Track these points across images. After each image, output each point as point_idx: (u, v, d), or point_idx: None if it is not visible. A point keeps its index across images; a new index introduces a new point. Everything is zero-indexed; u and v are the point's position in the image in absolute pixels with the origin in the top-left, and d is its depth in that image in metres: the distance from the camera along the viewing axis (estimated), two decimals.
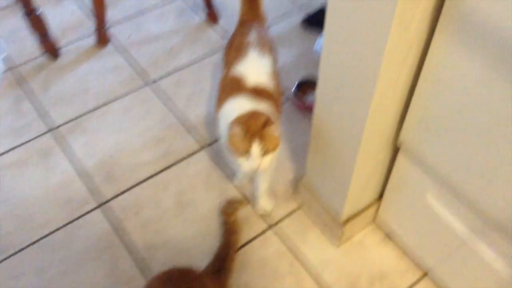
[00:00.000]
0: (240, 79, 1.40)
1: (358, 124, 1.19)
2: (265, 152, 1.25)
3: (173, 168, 1.71)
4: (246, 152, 1.24)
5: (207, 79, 1.95)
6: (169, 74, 1.99)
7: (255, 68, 1.44)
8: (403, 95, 1.18)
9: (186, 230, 1.55)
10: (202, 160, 1.73)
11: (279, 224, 1.56)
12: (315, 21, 2.09)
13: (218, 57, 2.03)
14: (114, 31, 2.14)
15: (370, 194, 1.47)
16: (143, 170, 1.70)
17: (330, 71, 1.20)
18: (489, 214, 1.11)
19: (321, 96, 1.28)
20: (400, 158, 1.31)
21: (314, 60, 1.97)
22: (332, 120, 1.28)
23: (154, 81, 1.96)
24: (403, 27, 0.99)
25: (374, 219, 1.55)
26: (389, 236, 1.53)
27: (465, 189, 1.15)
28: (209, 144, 1.77)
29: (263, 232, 1.54)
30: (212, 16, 2.14)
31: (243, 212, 1.57)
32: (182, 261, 1.47)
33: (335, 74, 1.19)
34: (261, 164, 1.26)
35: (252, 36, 1.51)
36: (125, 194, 1.64)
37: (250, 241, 1.52)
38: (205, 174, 1.69)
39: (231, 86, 1.40)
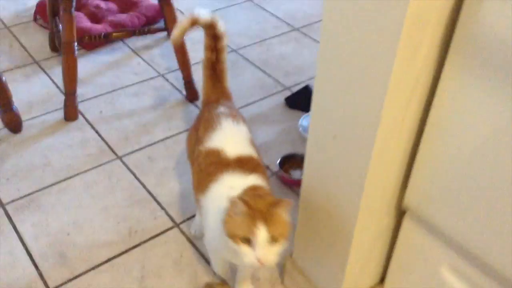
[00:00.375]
0: (219, 152, 1.21)
1: (356, 186, 1.01)
2: (272, 240, 1.00)
3: (138, 249, 1.47)
4: (249, 237, 0.99)
5: (182, 155, 1.78)
6: (141, 148, 1.82)
7: (233, 137, 1.27)
8: (408, 145, 1.02)
9: None
10: (172, 239, 1.50)
11: None
12: (299, 99, 2.00)
13: None
14: (85, 106, 2.00)
15: (371, 275, 1.24)
16: (102, 252, 1.46)
17: (322, 120, 1.04)
18: None
19: (310, 155, 1.11)
20: (406, 225, 1.10)
21: (299, 136, 1.85)
22: (324, 184, 1.10)
23: (124, 155, 1.78)
24: (409, 54, 0.85)
25: None
26: None
27: (489, 257, 0.94)
28: (181, 222, 1.55)
29: None
30: (191, 94, 2.04)
31: None
32: None
33: (327, 124, 1.03)
34: (267, 256, 1.00)
35: (221, 109, 1.35)
36: (79, 279, 1.39)
37: None
38: (175, 256, 1.45)
39: (211, 163, 1.21)
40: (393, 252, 1.17)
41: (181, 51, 1.95)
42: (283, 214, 1.03)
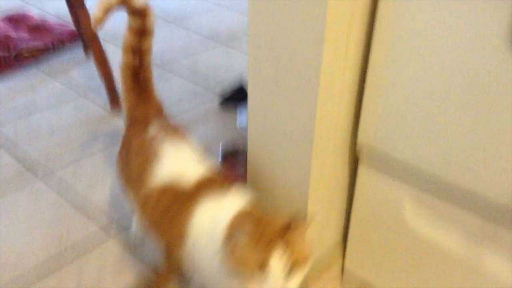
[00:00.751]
0: (175, 185, 0.95)
1: (307, 127, 0.92)
2: (292, 268, 0.79)
3: (71, 265, 1.28)
4: (262, 267, 0.78)
5: (109, 168, 1.61)
6: (64, 167, 1.63)
7: (183, 160, 1.01)
8: (355, 79, 0.95)
9: None
10: (108, 251, 1.32)
11: None
12: (234, 99, 1.92)
13: None
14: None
15: (332, 232, 1.13)
16: (28, 276, 1.25)
17: (260, 63, 0.95)
18: (491, 200, 0.82)
19: (253, 101, 1.01)
20: (362, 172, 1.01)
21: (239, 134, 1.74)
22: (272, 131, 1.00)
23: (45, 175, 1.59)
24: None
25: (341, 275, 1.18)
26: None
27: (456, 181, 0.86)
28: (116, 233, 1.37)
29: None
30: (115, 101, 1.89)
31: None
32: None
33: (266, 66, 0.94)
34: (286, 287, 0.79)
35: (153, 130, 1.08)
36: None
37: None
38: (114, 267, 1.27)
39: (171, 203, 0.95)
40: (352, 204, 1.07)
41: (100, 56, 1.81)
42: (302, 235, 0.82)
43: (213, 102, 1.97)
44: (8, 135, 1.78)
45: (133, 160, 1.05)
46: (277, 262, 0.77)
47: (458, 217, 0.90)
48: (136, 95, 1.16)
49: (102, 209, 1.46)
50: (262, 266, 0.77)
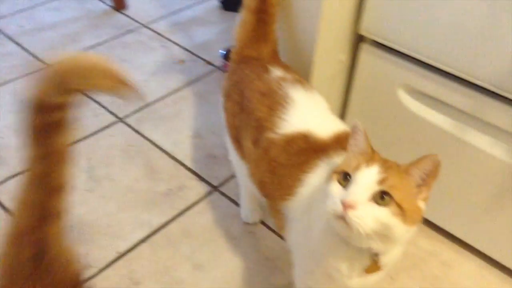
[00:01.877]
0: (306, 136, 0.86)
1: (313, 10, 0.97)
2: (381, 196, 0.66)
3: (81, 143, 1.37)
4: (351, 170, 0.69)
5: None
6: None
7: (315, 110, 0.92)
8: None
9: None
10: (118, 132, 1.41)
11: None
12: (233, 4, 1.93)
13: (130, 38, 1.76)
14: (3, 24, 1.82)
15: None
16: None
17: None
18: (483, 76, 0.91)
19: None
20: (364, 51, 1.09)
21: None
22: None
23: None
24: None
25: None
26: None
27: (447, 63, 0.95)
28: (125, 117, 1.45)
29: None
30: (118, 2, 1.91)
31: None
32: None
33: None
34: (361, 206, 0.66)
35: (278, 72, 0.95)
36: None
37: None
38: (123, 146, 1.36)
39: (297, 153, 0.86)
40: (352, 82, 1.16)
41: None
42: (412, 181, 0.69)
43: (214, 1, 1.99)
44: (12, 28, 1.80)
45: (255, 102, 0.93)
46: (368, 172, 0.68)
47: (447, 98, 0.99)
48: (257, 26, 1.01)
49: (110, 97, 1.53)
50: (350, 169, 0.69)
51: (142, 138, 1.39)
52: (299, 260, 0.89)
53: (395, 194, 0.66)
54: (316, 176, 0.82)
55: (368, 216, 0.65)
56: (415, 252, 1.16)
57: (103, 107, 1.49)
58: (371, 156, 0.70)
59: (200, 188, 1.27)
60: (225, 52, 1.64)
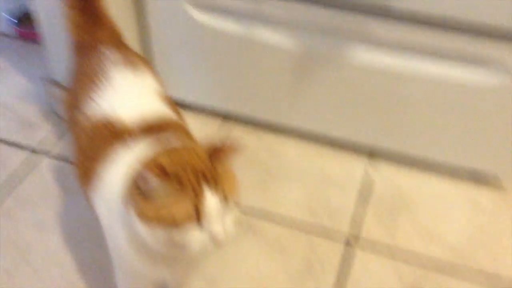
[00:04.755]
0: (110, 121, 0.78)
1: None
2: (225, 205, 0.65)
3: None
4: (193, 215, 0.62)
5: None
6: None
7: (131, 93, 0.85)
8: None
9: None
10: None
11: None
12: None
13: None
14: None
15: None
16: None
17: None
18: None
19: None
20: None
21: None
22: None
23: None
24: None
25: None
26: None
27: None
28: None
29: None
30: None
31: None
32: None
33: None
34: (228, 229, 0.65)
35: (107, 53, 0.89)
36: None
37: None
38: None
39: (98, 138, 0.79)
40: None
41: None
42: (230, 163, 0.68)
43: None
44: None
45: (77, 84, 0.88)
46: (213, 201, 0.63)
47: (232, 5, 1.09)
48: (83, 8, 0.94)
49: None
50: (191, 213, 0.62)
51: None
52: (114, 252, 0.81)
53: (232, 193, 0.66)
54: (112, 171, 0.73)
55: (231, 226, 0.66)
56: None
57: None
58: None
59: (23, 156, 1.25)
60: (16, 20, 1.56)
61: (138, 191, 0.63)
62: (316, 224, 1.11)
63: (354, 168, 1.23)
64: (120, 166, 0.71)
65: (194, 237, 0.63)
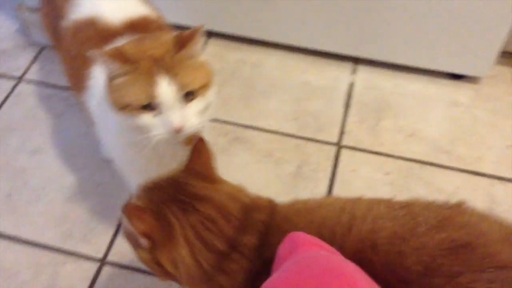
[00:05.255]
0: (94, 23, 0.79)
1: None
2: (188, 94, 0.67)
3: None
4: (150, 99, 0.65)
5: None
6: None
7: None
8: None
9: None
10: None
11: None
12: None
13: None
14: None
15: None
16: None
17: None
18: None
19: None
20: None
21: None
22: None
23: None
24: None
25: None
26: None
27: None
28: None
29: None
30: None
31: None
32: None
33: None
34: (186, 118, 0.67)
35: None
36: None
37: None
38: None
39: (84, 41, 0.79)
40: None
41: None
42: (195, 53, 0.69)
43: None
44: None
45: None
46: (166, 88, 0.65)
47: None
48: None
49: None
50: (149, 96, 0.65)
51: None
52: (112, 148, 0.85)
53: (195, 84, 0.67)
54: (100, 69, 0.74)
55: (193, 117, 0.68)
56: (226, 66, 1.27)
57: None
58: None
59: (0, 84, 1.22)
60: None
61: (108, 76, 0.67)
62: (303, 131, 1.15)
63: (338, 77, 1.26)
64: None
65: (149, 122, 0.66)
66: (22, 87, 1.22)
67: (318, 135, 1.14)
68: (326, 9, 1.15)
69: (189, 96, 0.67)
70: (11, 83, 1.22)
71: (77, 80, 0.81)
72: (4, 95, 1.20)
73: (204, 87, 0.69)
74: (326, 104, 1.20)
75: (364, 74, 1.26)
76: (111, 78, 0.67)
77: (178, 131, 0.66)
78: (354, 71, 1.26)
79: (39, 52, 1.29)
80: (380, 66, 1.26)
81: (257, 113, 1.18)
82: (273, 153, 1.11)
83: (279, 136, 1.14)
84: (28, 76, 1.24)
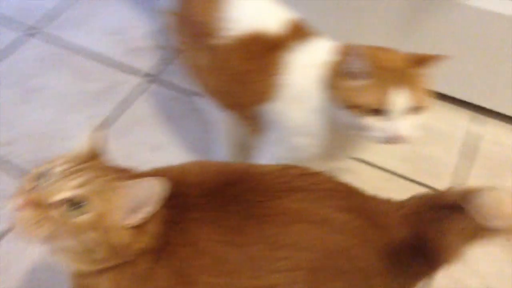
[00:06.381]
0: (257, 34, 0.83)
1: None
2: (411, 109, 0.74)
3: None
4: (382, 105, 0.72)
5: None
6: None
7: (258, 4, 0.87)
8: None
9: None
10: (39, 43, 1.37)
11: None
12: None
13: None
14: None
15: None
16: None
17: None
18: None
19: None
20: None
21: None
22: None
23: None
24: None
25: None
26: None
27: None
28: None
29: None
30: None
31: None
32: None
33: None
34: (407, 129, 0.74)
35: None
36: None
37: None
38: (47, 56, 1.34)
39: (253, 55, 0.83)
40: None
41: None
42: (423, 75, 0.75)
43: None
44: None
45: (194, 5, 0.89)
46: (400, 98, 0.72)
47: None
48: None
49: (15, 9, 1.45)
50: (381, 105, 0.72)
51: (63, 44, 1.37)
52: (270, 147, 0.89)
53: (421, 101, 0.74)
54: (292, 73, 0.80)
55: (412, 130, 0.74)
56: None
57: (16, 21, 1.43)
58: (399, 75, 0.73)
59: (134, 80, 1.30)
60: None
61: (340, 73, 0.74)
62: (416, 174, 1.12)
63: (457, 123, 1.21)
64: (300, 68, 0.80)
65: (372, 125, 0.73)
66: (155, 85, 1.29)
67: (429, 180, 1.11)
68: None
69: (411, 110, 0.73)
70: (145, 80, 1.30)
71: (253, 94, 0.84)
72: (140, 90, 1.28)
73: (425, 107, 0.75)
74: (443, 149, 1.16)
75: (491, 127, 1.21)
76: (348, 75, 0.73)
77: (398, 139, 0.73)
78: (475, 120, 1.22)
79: (174, 55, 1.36)
80: (507, 120, 1.20)
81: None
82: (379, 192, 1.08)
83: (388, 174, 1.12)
84: (162, 76, 1.32)
